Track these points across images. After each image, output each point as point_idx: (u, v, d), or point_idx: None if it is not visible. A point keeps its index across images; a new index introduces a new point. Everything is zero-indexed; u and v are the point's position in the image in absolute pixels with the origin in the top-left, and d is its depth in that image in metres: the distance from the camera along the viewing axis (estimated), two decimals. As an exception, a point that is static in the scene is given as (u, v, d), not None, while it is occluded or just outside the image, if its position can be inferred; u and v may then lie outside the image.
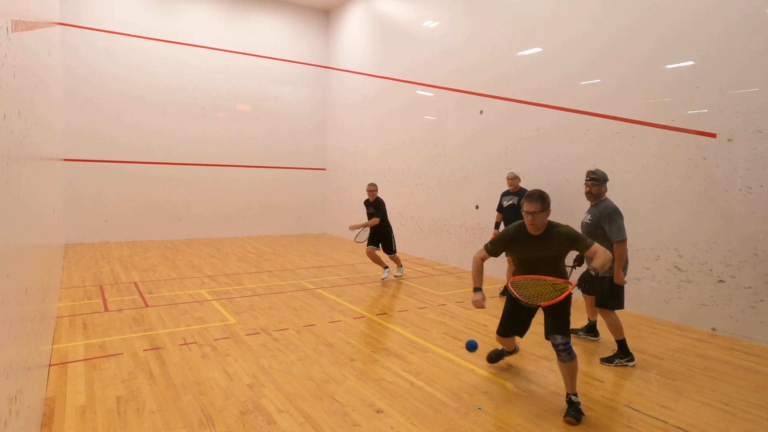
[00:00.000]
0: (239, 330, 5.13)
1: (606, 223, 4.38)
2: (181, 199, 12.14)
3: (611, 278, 4.37)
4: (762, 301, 4.99)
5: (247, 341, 4.79)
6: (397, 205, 10.95)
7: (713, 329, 5.36)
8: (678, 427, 3.25)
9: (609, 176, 6.40)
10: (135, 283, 7.21)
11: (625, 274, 4.47)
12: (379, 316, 5.73)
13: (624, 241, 4.32)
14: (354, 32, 12.81)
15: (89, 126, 11.08)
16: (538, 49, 7.51)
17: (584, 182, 4.65)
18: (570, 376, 3.40)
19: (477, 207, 8.73)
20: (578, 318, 5.57)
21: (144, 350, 4.48)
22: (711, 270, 5.40)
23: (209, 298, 6.48)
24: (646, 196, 6.03)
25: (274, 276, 8.00)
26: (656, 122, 5.92)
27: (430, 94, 10.02)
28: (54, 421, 3.16)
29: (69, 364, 4.10)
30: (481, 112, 8.62)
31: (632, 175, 6.18)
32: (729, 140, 5.25)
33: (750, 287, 5.08)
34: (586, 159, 6.74)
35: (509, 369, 4.24)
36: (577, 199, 6.90)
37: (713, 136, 5.38)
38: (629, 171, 6.22)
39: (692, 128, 5.57)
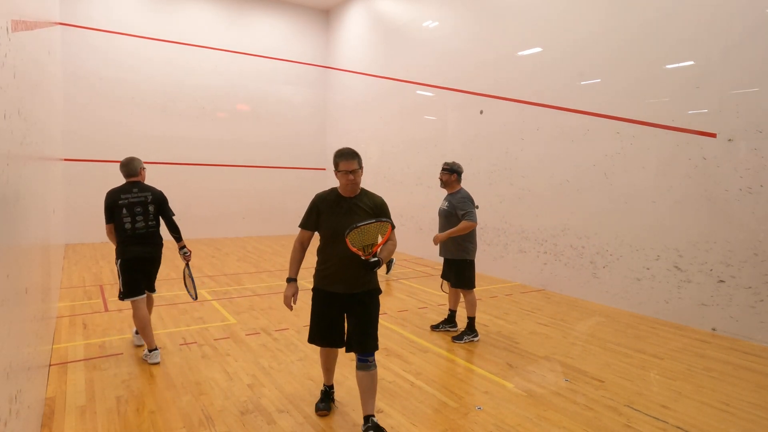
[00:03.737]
0: (239, 330, 5.13)
1: (459, 208, 4.81)
2: (181, 199, 12.11)
3: (461, 261, 4.86)
4: (762, 301, 4.98)
5: (247, 341, 4.79)
6: (397, 205, 10.93)
7: (713, 329, 5.36)
8: (678, 427, 3.25)
9: (609, 176, 6.44)
10: (135, 283, 7.20)
11: (472, 256, 4.92)
12: (379, 316, 5.73)
13: (473, 223, 4.75)
14: (354, 32, 12.81)
15: (89, 126, 11.07)
16: (538, 49, 7.50)
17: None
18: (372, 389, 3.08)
19: (477, 207, 8.72)
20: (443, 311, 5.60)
21: (144, 350, 4.48)
22: (711, 270, 5.40)
23: (209, 298, 6.48)
24: (646, 196, 6.03)
25: (274, 276, 7.99)
26: (656, 122, 5.92)
27: (430, 94, 10.02)
28: (54, 421, 3.16)
29: (69, 364, 4.10)
30: (482, 112, 8.61)
31: (632, 175, 6.18)
32: (729, 140, 5.25)
33: (750, 287, 5.07)
34: (586, 159, 6.74)
35: (509, 369, 4.24)
36: (577, 199, 6.91)
37: (713, 136, 5.38)
38: (629, 171, 6.22)
39: (692, 128, 5.57)
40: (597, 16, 6.65)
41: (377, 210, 3.18)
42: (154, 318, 5.50)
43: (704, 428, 3.26)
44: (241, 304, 6.15)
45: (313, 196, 3.24)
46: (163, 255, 4.48)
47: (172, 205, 4.62)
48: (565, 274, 7.10)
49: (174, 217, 4.48)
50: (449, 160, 5.15)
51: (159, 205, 4.37)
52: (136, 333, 4.59)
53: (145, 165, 4.55)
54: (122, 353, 4.39)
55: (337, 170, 3.11)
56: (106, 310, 5.80)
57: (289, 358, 4.37)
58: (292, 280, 3.16)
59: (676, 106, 5.73)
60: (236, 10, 12.82)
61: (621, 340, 5.06)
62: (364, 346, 3.06)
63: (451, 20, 9.41)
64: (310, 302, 3.25)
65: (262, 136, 13.31)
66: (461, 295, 5.13)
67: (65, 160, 10.57)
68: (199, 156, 12.48)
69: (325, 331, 3.17)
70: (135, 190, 4.29)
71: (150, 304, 4.47)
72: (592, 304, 6.50)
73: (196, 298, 4.72)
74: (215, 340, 4.81)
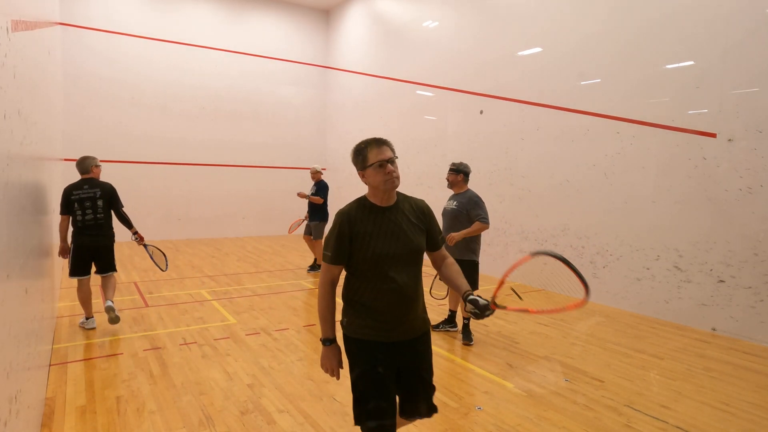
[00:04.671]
0: (239, 330, 5.13)
1: (471, 209, 4.89)
2: (181, 199, 12.13)
3: (468, 262, 4.88)
4: (762, 301, 4.99)
5: (247, 341, 4.79)
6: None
7: (713, 329, 5.36)
8: (678, 427, 3.25)
9: (609, 176, 6.44)
10: (135, 283, 7.21)
11: (477, 255, 5.00)
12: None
13: (487, 225, 4.81)
14: (354, 32, 12.81)
15: (89, 126, 11.07)
16: (538, 50, 7.51)
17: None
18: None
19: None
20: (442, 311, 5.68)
21: (144, 350, 4.48)
22: (711, 270, 5.40)
23: (209, 298, 6.48)
24: (646, 196, 6.03)
25: (274, 276, 8.00)
26: (656, 122, 5.92)
27: (430, 94, 10.02)
28: (54, 421, 3.16)
29: (69, 364, 4.10)
30: (482, 112, 8.62)
31: (632, 175, 6.18)
32: (729, 140, 5.25)
33: (750, 287, 5.07)
34: (586, 159, 6.74)
35: (509, 369, 4.24)
36: (577, 199, 6.91)
37: (713, 136, 5.38)
38: (629, 171, 6.22)
39: (692, 128, 5.57)
40: (597, 16, 6.65)
41: (425, 219, 2.31)
42: (154, 318, 5.51)
43: (704, 428, 3.26)
44: (241, 304, 6.15)
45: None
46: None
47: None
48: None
49: (123, 209, 5.12)
50: (456, 161, 5.16)
51: (109, 199, 4.90)
52: (87, 319, 5.06)
53: (100, 163, 5.10)
54: (122, 353, 4.40)
55: (366, 167, 2.21)
56: (106, 310, 5.80)
57: (289, 358, 4.37)
58: (331, 341, 2.22)
59: (676, 107, 5.73)
60: (236, 10, 12.82)
61: (621, 340, 5.06)
62: (431, 410, 2.31)
63: (451, 20, 9.41)
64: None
65: (262, 136, 13.31)
66: None
67: (65, 160, 10.56)
68: (199, 156, 12.47)
69: (385, 402, 2.13)
70: (86, 186, 4.84)
71: (111, 282, 5.04)
72: (592, 304, 6.50)
73: (166, 269, 5.45)
74: (215, 340, 4.81)
